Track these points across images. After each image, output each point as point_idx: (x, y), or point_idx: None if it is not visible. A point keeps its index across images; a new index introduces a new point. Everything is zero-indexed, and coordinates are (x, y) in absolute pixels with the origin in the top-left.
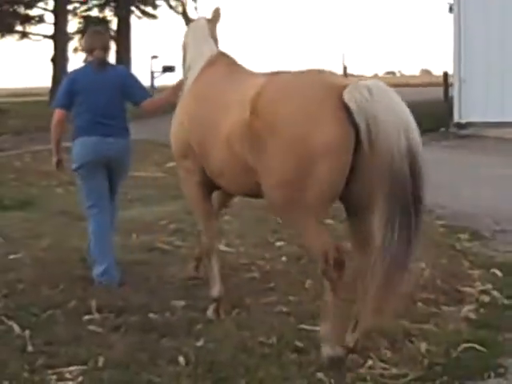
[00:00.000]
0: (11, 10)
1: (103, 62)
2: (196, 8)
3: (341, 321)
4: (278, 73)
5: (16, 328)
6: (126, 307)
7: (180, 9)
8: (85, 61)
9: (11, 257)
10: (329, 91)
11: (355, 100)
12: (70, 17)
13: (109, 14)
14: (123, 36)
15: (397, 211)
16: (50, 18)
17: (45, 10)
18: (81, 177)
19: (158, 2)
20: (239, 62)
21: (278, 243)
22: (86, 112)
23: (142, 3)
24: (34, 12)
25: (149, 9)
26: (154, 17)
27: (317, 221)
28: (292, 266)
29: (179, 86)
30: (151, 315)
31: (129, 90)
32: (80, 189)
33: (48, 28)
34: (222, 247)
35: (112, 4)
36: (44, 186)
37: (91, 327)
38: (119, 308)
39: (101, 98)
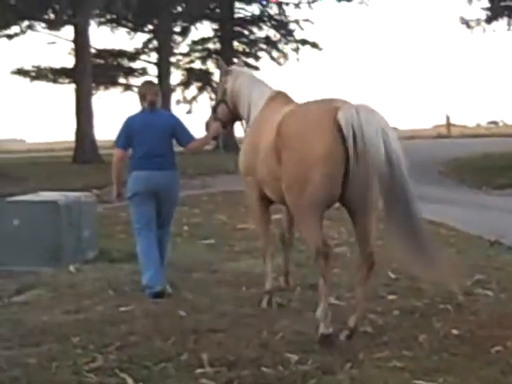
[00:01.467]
0: (115, 62)
1: (154, 106)
2: (298, 59)
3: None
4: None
5: (129, 381)
6: (238, 361)
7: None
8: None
9: (122, 309)
10: (327, 113)
11: (345, 118)
12: (172, 69)
13: (211, 65)
14: None
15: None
16: (153, 70)
17: (148, 62)
18: (133, 204)
19: (259, 54)
20: (294, 98)
21: (390, 297)
22: (140, 149)
23: (244, 55)
24: (137, 65)
25: (251, 60)
26: (256, 68)
27: (315, 220)
28: (405, 320)
29: (216, 129)
30: (264, 369)
31: (177, 132)
32: (131, 213)
33: (151, 80)
34: (333, 300)
35: (214, 56)
36: None
37: (203, 381)
38: (231, 361)
39: (152, 137)
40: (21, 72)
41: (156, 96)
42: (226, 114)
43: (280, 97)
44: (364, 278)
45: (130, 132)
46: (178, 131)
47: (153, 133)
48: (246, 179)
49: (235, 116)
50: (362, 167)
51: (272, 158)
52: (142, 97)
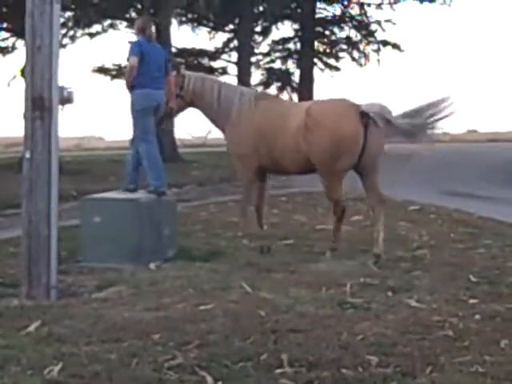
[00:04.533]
0: (195, 62)
1: (152, 39)
2: (379, 60)
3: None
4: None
5: (209, 379)
6: (318, 362)
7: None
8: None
9: (201, 307)
10: (350, 105)
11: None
12: (252, 69)
13: (291, 66)
14: (306, 88)
15: None
16: (233, 69)
17: (228, 62)
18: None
19: (340, 54)
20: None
21: (471, 301)
22: (148, 70)
23: (325, 55)
24: (217, 64)
25: (331, 61)
26: (336, 69)
27: (340, 181)
28: (486, 325)
29: (172, 89)
30: (344, 370)
31: (166, 64)
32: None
33: (231, 79)
34: (413, 303)
35: (294, 56)
36: (230, 237)
37: (283, 381)
38: (311, 362)
39: (153, 61)
40: (101, 70)
41: (153, 30)
42: (182, 106)
43: (264, 95)
44: (379, 214)
45: (141, 50)
46: (166, 63)
47: (156, 57)
48: (244, 161)
49: (187, 107)
50: (373, 141)
51: (298, 136)
52: (142, 30)
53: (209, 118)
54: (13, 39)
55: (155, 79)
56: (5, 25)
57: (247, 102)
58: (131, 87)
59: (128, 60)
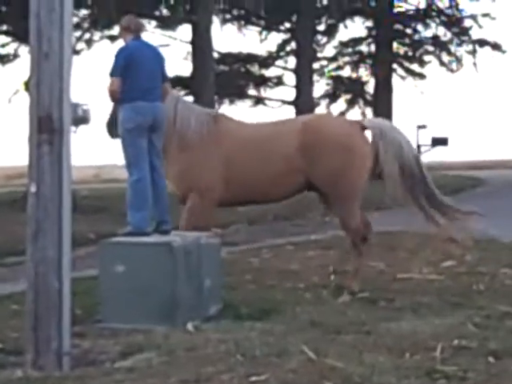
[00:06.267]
0: (243, 69)
1: (139, 32)
2: (475, 64)
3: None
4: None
5: None
6: None
7: None
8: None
9: (253, 379)
10: (351, 121)
11: (373, 124)
12: (315, 77)
13: (364, 73)
14: (382, 100)
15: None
16: (290, 78)
17: (284, 69)
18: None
19: (426, 58)
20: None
21: None
22: (135, 80)
23: (406, 59)
24: (270, 72)
25: (414, 66)
26: (421, 76)
27: (358, 204)
28: None
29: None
30: None
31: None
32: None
33: (289, 91)
34: None
35: (368, 61)
36: (288, 290)
37: None
38: None
39: (145, 68)
40: None
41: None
42: None
43: (223, 117)
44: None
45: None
46: (162, 68)
47: (149, 63)
48: (205, 195)
49: None
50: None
51: (295, 157)
52: (127, 28)
53: None
54: (14, 45)
55: (148, 90)
56: (4, 27)
57: (206, 124)
58: (120, 102)
59: (110, 77)
